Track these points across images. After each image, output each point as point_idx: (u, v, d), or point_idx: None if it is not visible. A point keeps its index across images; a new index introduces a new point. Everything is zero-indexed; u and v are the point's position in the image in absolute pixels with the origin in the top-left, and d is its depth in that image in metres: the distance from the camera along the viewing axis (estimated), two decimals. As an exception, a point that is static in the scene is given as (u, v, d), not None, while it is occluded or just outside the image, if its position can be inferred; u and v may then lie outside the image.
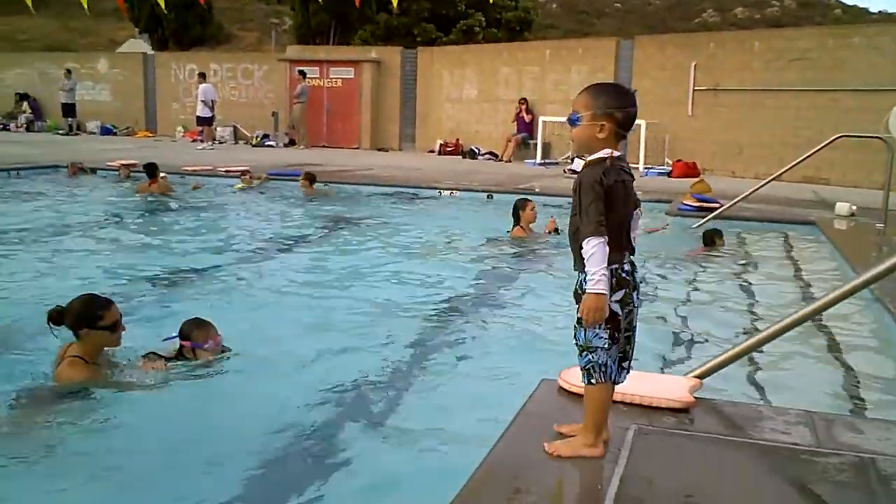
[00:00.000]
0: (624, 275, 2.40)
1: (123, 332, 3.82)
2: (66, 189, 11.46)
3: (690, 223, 8.82)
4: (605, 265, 2.31)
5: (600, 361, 2.42)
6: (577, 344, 2.47)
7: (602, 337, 2.40)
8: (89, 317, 3.68)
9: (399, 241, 8.16)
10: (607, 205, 2.34)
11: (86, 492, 2.92)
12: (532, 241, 7.84)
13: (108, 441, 3.28)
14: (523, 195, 8.98)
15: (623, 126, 2.43)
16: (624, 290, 2.40)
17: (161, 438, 3.31)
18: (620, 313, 2.40)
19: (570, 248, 2.48)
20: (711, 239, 7.60)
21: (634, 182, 2.49)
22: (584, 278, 2.36)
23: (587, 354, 2.44)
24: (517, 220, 7.92)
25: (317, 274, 6.70)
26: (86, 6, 5.18)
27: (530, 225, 7.98)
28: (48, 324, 3.69)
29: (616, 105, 2.42)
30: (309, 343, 4.60)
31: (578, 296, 2.41)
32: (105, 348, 3.83)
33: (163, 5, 5.55)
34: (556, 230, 7.98)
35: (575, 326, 2.45)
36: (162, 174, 11.18)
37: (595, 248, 2.30)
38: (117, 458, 3.14)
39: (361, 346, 4.57)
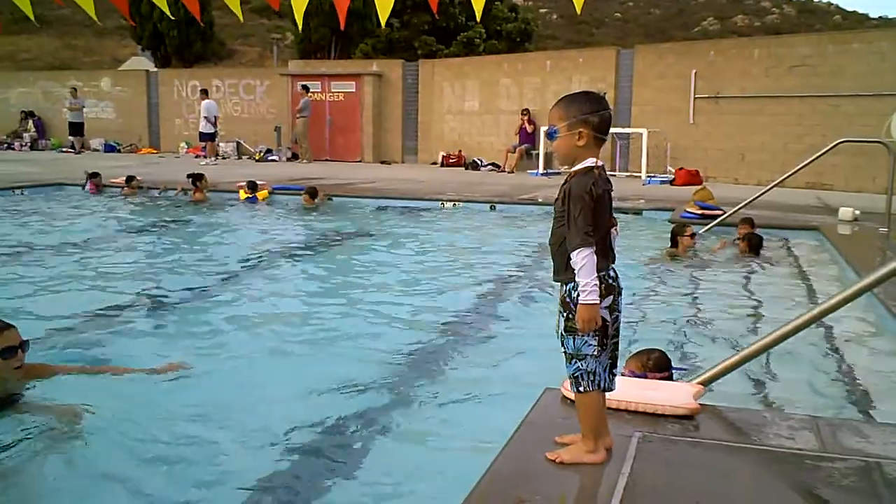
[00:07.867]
0: (611, 281, 2.42)
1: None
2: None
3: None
4: (596, 274, 2.34)
5: (589, 369, 2.43)
6: (565, 352, 2.47)
7: (591, 344, 2.41)
8: None
9: (403, 252, 8.17)
10: (594, 215, 2.36)
11: None
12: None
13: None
14: (675, 217, 8.75)
15: (600, 130, 2.43)
16: (611, 297, 2.42)
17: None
18: (609, 319, 2.42)
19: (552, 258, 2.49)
20: (758, 246, 7.61)
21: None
22: (573, 287, 2.39)
23: (576, 362, 2.44)
24: (674, 244, 7.61)
25: (321, 284, 6.74)
26: (93, 14, 5.19)
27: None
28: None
29: (590, 110, 2.42)
30: (311, 351, 4.64)
31: (566, 304, 2.42)
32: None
33: (168, 12, 5.56)
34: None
35: (562, 335, 2.45)
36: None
37: (585, 260, 2.33)
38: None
39: (363, 356, 4.59)
